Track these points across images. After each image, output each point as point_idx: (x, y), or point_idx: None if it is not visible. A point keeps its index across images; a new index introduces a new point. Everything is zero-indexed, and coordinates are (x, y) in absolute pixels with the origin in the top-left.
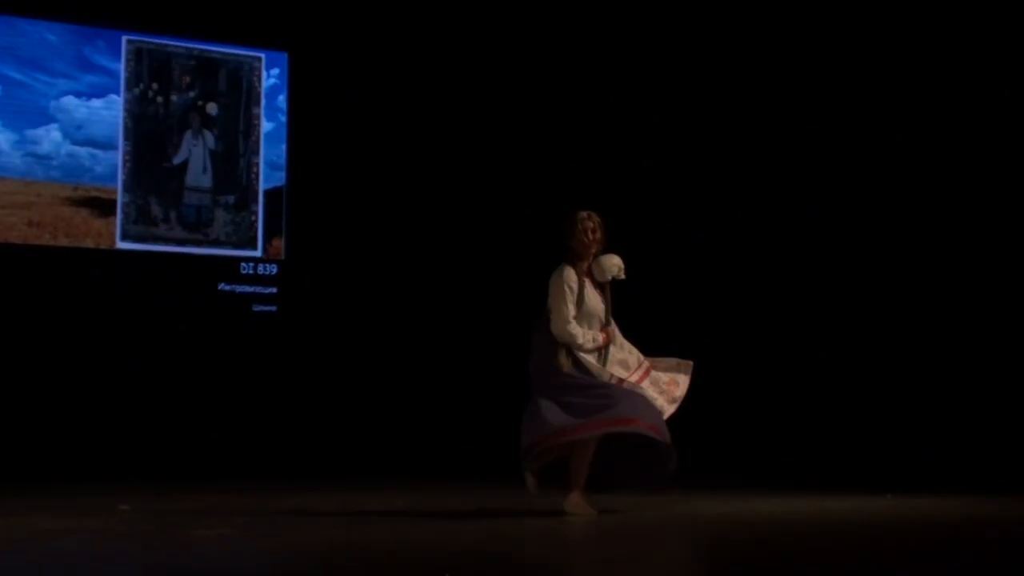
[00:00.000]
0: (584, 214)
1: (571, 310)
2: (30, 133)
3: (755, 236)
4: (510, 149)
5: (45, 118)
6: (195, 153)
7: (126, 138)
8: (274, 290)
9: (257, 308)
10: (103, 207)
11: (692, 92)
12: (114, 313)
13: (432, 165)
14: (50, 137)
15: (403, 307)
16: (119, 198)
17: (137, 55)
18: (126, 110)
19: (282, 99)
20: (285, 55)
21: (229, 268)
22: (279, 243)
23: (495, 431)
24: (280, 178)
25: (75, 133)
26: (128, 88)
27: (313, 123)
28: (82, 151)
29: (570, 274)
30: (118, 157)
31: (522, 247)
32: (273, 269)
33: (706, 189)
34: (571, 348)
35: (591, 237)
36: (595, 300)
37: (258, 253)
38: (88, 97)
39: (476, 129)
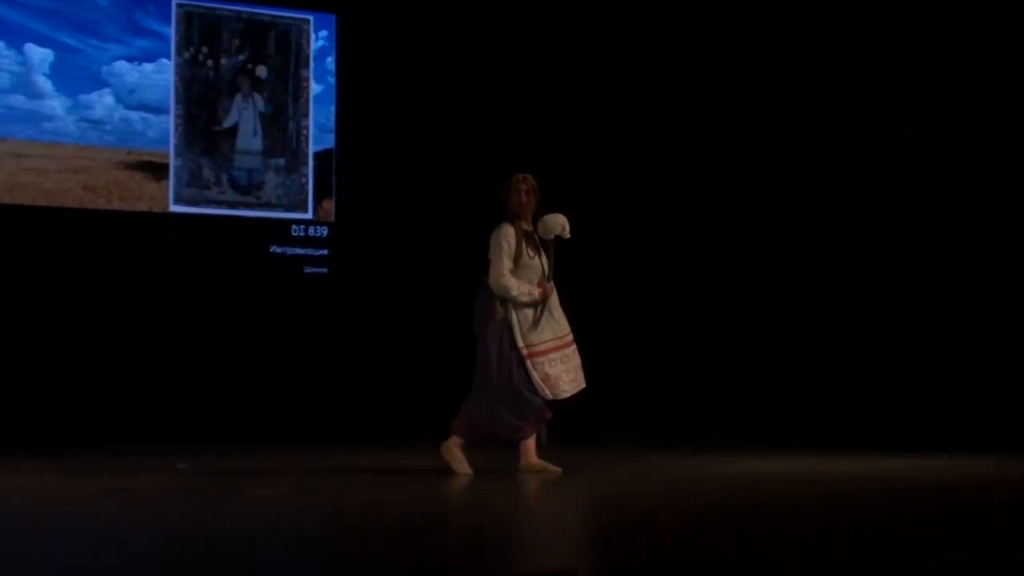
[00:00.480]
0: (519, 176)
1: (506, 263)
2: (84, 98)
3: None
4: (555, 111)
5: (98, 83)
6: (245, 116)
7: (177, 102)
8: (325, 252)
9: (308, 270)
10: (156, 171)
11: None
12: (167, 275)
13: (480, 125)
14: (103, 102)
15: (454, 267)
16: (171, 162)
17: (187, 19)
18: (177, 74)
19: (330, 61)
20: (333, 17)
21: (280, 230)
22: (329, 205)
23: None
24: (329, 140)
25: (127, 98)
26: (178, 52)
27: (361, 84)
28: (135, 115)
29: (508, 230)
30: (170, 121)
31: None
32: (324, 231)
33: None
34: (507, 301)
35: (525, 199)
36: (533, 257)
37: (308, 215)
38: (139, 62)
39: (523, 89)
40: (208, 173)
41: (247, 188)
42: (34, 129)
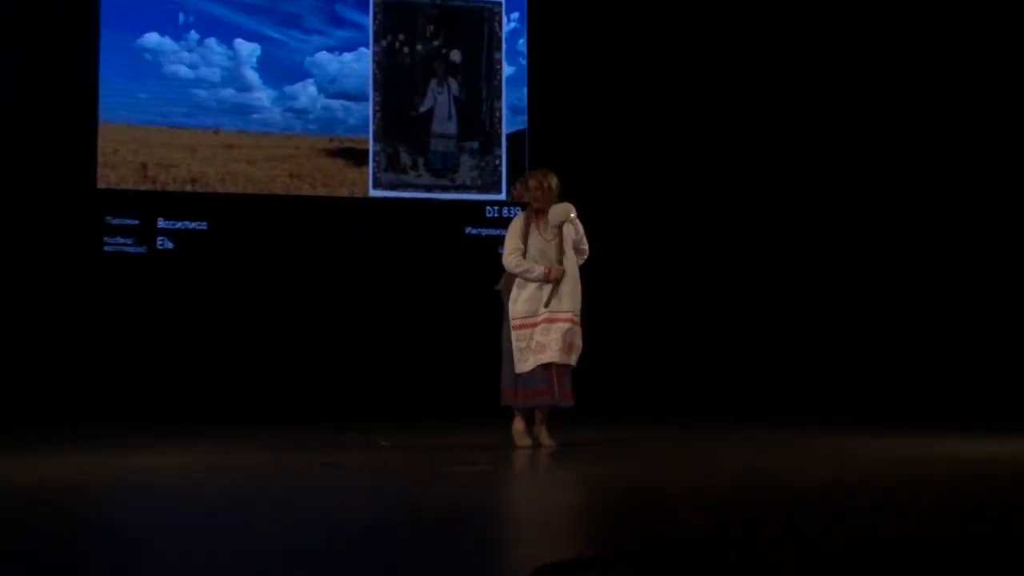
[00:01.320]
0: (528, 175)
1: (514, 244)
2: (288, 89)
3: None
4: (748, 95)
5: (301, 74)
6: (440, 100)
7: (375, 89)
8: None
9: (502, 251)
10: (356, 157)
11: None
12: (368, 258)
13: (671, 104)
14: (306, 92)
15: (651, 246)
16: (370, 148)
17: (384, 8)
18: (375, 62)
19: (522, 43)
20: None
21: (475, 212)
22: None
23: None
24: (522, 121)
25: (329, 87)
26: (376, 41)
27: (553, 65)
28: (336, 104)
29: (519, 219)
30: (369, 108)
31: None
32: (517, 212)
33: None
34: (520, 277)
35: (533, 193)
36: (540, 242)
37: (502, 196)
38: (340, 52)
39: (713, 70)
40: (405, 157)
41: (442, 171)
42: (243, 120)
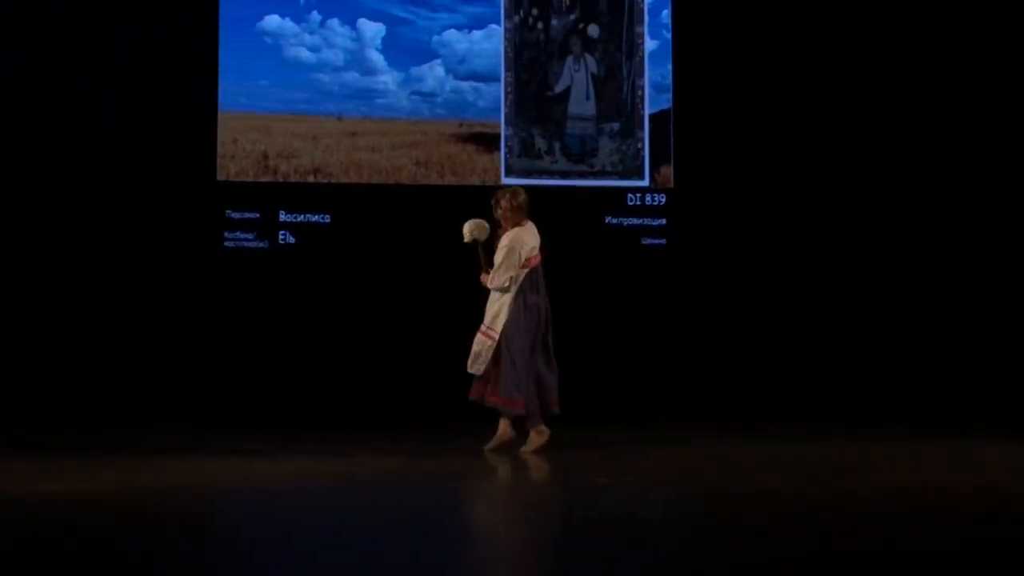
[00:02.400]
0: (498, 193)
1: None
2: (415, 71)
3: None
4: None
5: (428, 55)
6: (577, 79)
7: (507, 69)
8: (663, 222)
9: (645, 241)
10: (487, 142)
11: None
12: None
13: (825, 79)
14: (434, 74)
15: (805, 236)
16: (502, 132)
17: None
18: (507, 39)
19: (666, 15)
20: None
21: (615, 200)
22: (667, 171)
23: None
24: (666, 100)
25: (458, 68)
26: (508, 16)
27: (700, 39)
28: (465, 85)
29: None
30: (500, 89)
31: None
32: (661, 199)
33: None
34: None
35: (503, 212)
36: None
37: (645, 183)
38: (469, 29)
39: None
40: (540, 142)
41: (580, 156)
42: (367, 106)
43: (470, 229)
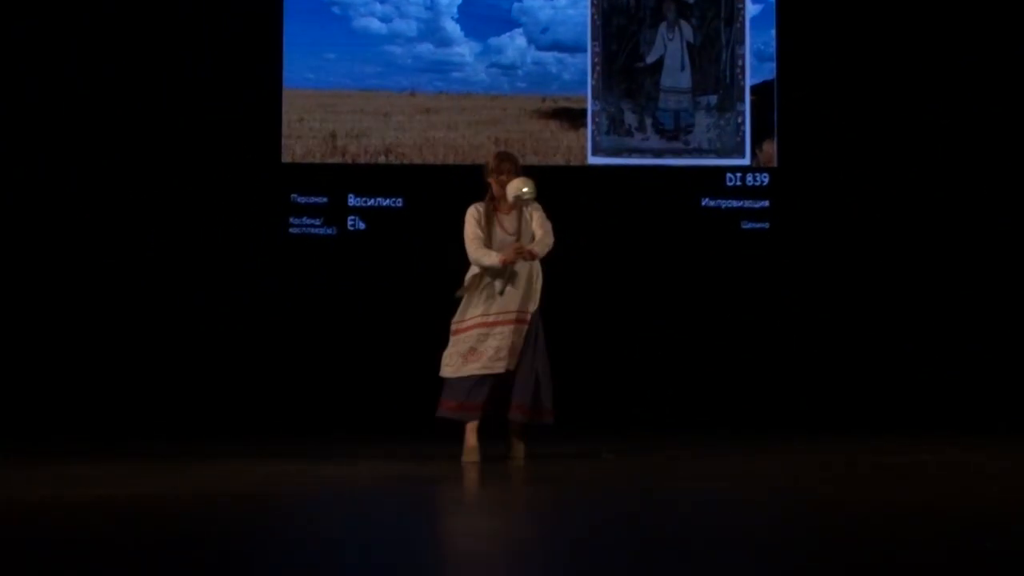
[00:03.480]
0: (497, 155)
1: (474, 232)
2: (493, 42)
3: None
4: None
5: (508, 23)
6: (671, 49)
7: (594, 38)
8: (765, 204)
9: (746, 225)
10: (572, 118)
11: None
12: (588, 235)
13: (945, 47)
14: (514, 44)
15: (921, 219)
16: (588, 107)
17: None
18: (594, 6)
19: None
20: None
21: (713, 180)
22: (770, 148)
23: None
24: (770, 70)
25: (540, 37)
26: None
27: (806, 2)
28: (548, 57)
29: (472, 210)
30: (587, 61)
31: None
32: (764, 179)
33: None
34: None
35: (501, 177)
36: (499, 230)
37: (746, 161)
38: None
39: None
40: (630, 117)
41: (674, 132)
42: (443, 80)
43: (530, 185)
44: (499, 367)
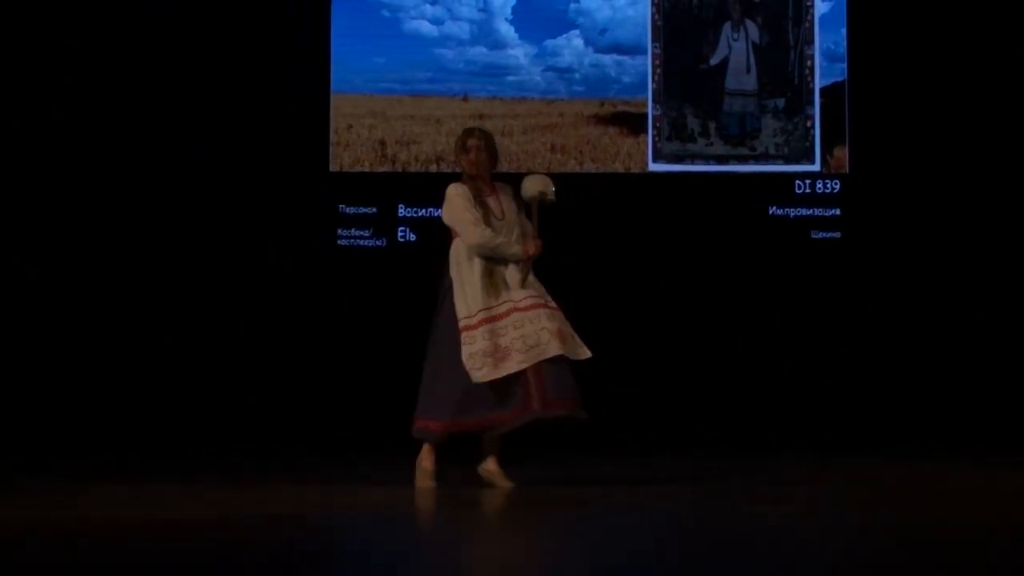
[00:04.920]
0: (465, 131)
1: (472, 216)
2: (549, 44)
3: None
4: None
5: (565, 25)
6: (736, 49)
7: (655, 39)
8: (836, 212)
9: (816, 235)
10: (632, 123)
11: None
12: (648, 246)
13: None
14: (571, 46)
15: (1000, 226)
16: (649, 111)
17: None
18: (654, 5)
19: None
20: None
21: (781, 187)
22: (842, 153)
23: None
24: (840, 71)
25: (598, 39)
26: None
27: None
28: (607, 59)
29: (458, 187)
30: (647, 63)
31: None
32: (835, 186)
33: None
34: (495, 259)
35: (475, 155)
36: (500, 219)
37: (815, 167)
38: None
39: None
40: (693, 122)
41: (739, 138)
42: (496, 84)
43: (548, 184)
44: (547, 351)
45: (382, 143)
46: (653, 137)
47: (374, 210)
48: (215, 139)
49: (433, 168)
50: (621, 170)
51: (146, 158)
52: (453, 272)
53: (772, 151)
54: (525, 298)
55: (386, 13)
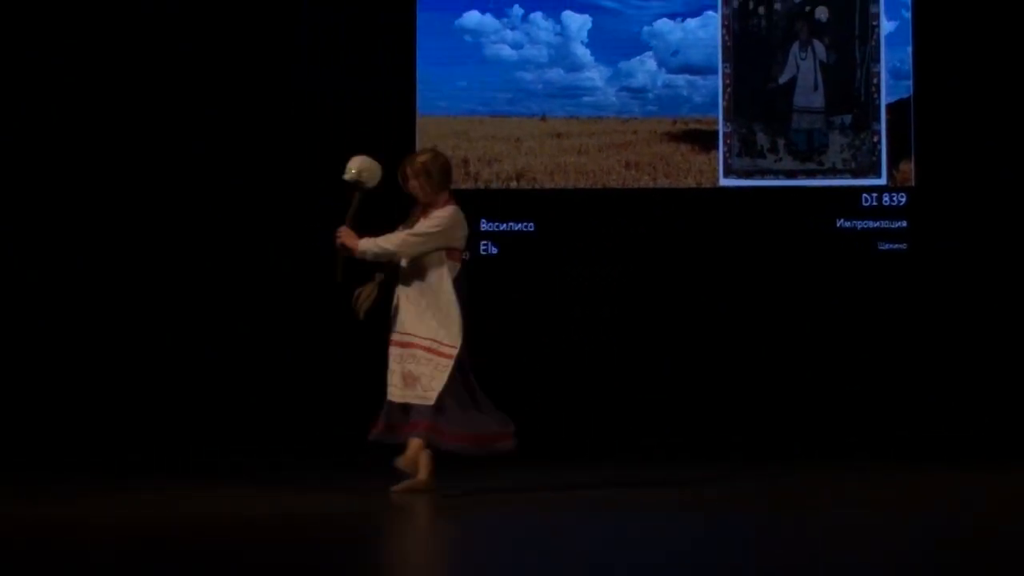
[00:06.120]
0: (413, 157)
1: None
2: (623, 65)
3: None
4: None
5: (638, 47)
6: (803, 68)
7: (725, 60)
8: (903, 224)
9: (883, 247)
10: (703, 141)
11: None
12: (718, 260)
13: None
14: (645, 67)
15: None
16: (720, 129)
17: None
18: (724, 27)
19: None
20: None
21: (848, 201)
22: (907, 167)
23: None
24: (906, 88)
25: (670, 60)
26: (726, 2)
27: (944, 17)
28: (679, 79)
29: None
30: (718, 82)
31: None
32: (901, 199)
33: None
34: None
35: (411, 182)
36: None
37: (882, 181)
38: (682, 18)
39: None
40: (762, 139)
41: (807, 153)
42: (573, 104)
43: (363, 166)
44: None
45: (465, 161)
46: (724, 153)
47: None
48: (306, 162)
49: (513, 185)
50: (693, 185)
51: (243, 183)
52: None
53: (839, 166)
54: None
55: (468, 39)
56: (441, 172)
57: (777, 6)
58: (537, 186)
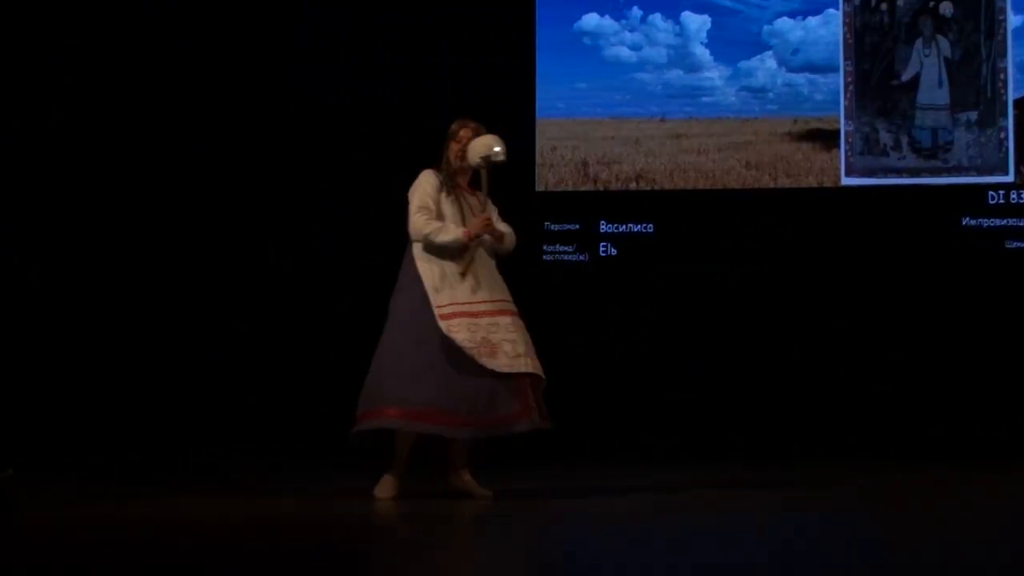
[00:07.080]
0: (458, 122)
1: (420, 203)
2: (743, 65)
3: None
4: None
5: (758, 46)
6: (927, 65)
7: (846, 57)
8: None
9: (1011, 245)
10: (825, 139)
11: None
12: (841, 259)
13: None
14: (764, 67)
15: None
16: (841, 127)
17: None
18: (846, 24)
19: None
20: None
21: (974, 198)
22: None
23: None
24: None
25: (790, 59)
26: None
27: None
28: (799, 78)
29: (428, 174)
30: (839, 80)
31: None
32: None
33: None
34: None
35: (457, 145)
36: (452, 209)
37: (1009, 178)
38: (803, 16)
39: None
40: (885, 137)
41: (932, 151)
42: (692, 105)
43: (501, 143)
44: (524, 366)
45: (584, 163)
46: (845, 152)
47: (577, 227)
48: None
49: (633, 186)
50: (815, 185)
51: (360, 190)
52: (425, 259)
53: (965, 163)
54: (499, 300)
55: (587, 41)
56: None
57: (899, 3)
58: (656, 187)
